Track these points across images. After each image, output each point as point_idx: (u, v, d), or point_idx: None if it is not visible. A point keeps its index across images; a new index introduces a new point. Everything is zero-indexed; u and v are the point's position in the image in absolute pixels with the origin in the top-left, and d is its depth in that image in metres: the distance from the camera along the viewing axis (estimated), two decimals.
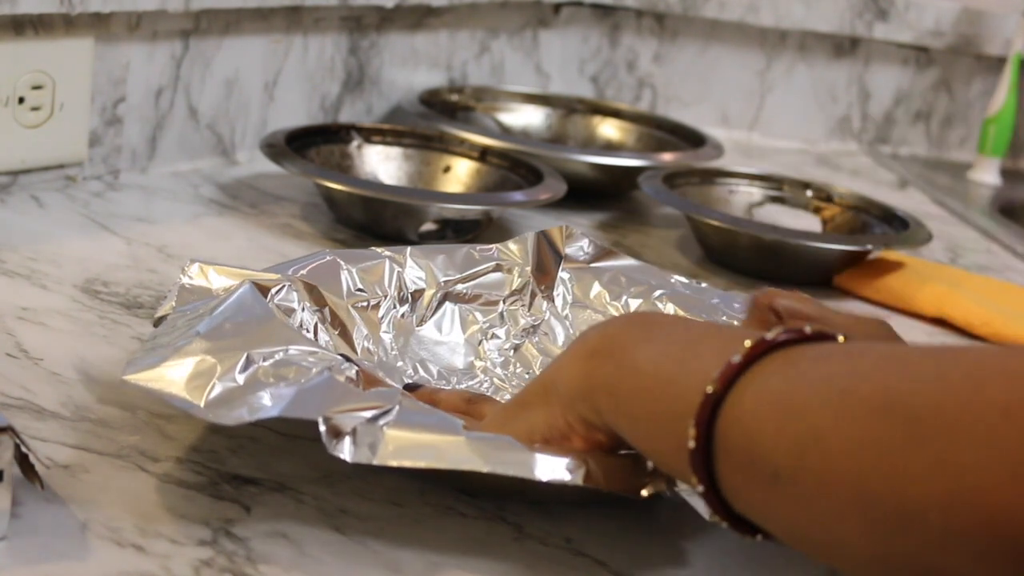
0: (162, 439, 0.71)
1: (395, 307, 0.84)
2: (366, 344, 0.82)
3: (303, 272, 0.81)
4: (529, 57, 1.57)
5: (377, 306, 0.83)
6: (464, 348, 0.85)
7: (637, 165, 1.27)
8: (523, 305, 0.87)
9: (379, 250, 0.86)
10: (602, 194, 1.30)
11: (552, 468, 0.64)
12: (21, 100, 1.06)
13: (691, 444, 0.56)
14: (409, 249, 0.87)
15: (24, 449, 0.60)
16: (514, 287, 0.87)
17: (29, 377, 0.77)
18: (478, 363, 0.85)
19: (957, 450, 0.47)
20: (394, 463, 0.63)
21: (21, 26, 1.04)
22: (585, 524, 0.68)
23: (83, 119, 1.11)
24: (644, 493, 0.63)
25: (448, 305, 0.86)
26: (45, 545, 0.60)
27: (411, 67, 1.41)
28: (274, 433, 0.73)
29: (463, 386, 0.83)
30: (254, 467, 0.70)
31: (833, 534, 0.52)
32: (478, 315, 0.86)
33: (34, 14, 1.03)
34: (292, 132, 1.16)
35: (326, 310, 0.81)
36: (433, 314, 0.85)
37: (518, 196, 1.12)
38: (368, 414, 0.64)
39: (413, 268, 0.86)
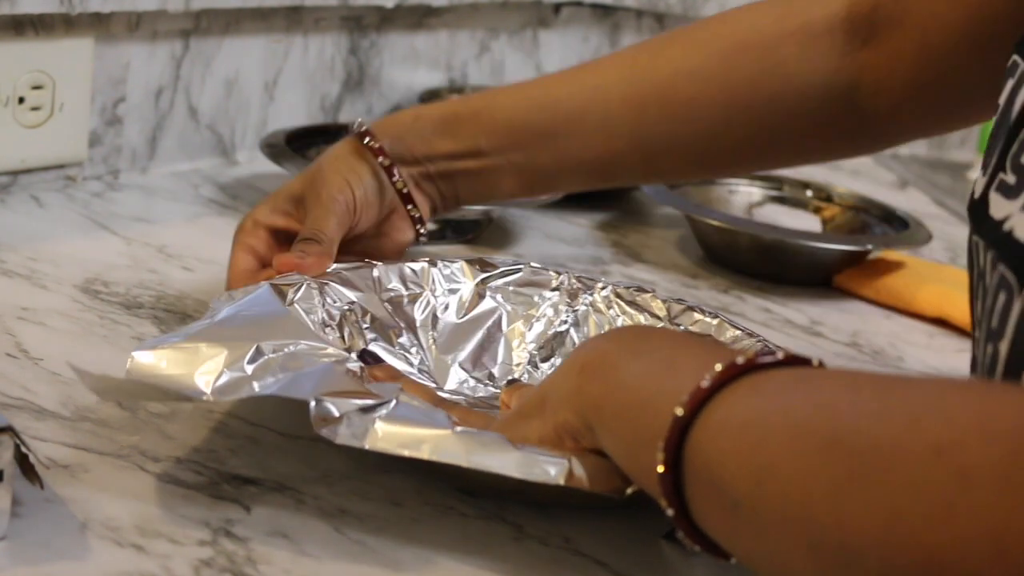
0: (162, 439, 0.71)
1: (432, 301, 0.84)
2: (401, 340, 0.82)
3: (337, 271, 0.82)
4: (529, 57, 1.57)
5: (413, 300, 0.84)
6: (503, 340, 0.85)
7: None
8: (565, 300, 0.87)
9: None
10: (602, 194, 1.29)
11: (534, 466, 0.63)
12: (21, 100, 1.06)
13: (659, 468, 0.56)
14: (443, 256, 0.87)
15: (24, 449, 0.60)
16: (553, 286, 0.87)
17: (29, 377, 0.77)
18: (518, 354, 0.85)
19: (892, 489, 0.47)
20: (379, 448, 0.63)
21: (21, 26, 1.04)
22: (585, 524, 0.68)
23: (83, 119, 1.11)
24: (628, 491, 0.63)
25: (487, 300, 0.86)
26: (45, 545, 0.61)
27: (411, 67, 1.41)
28: (274, 433, 0.73)
29: (506, 379, 0.83)
30: (254, 467, 0.70)
31: (785, 566, 0.52)
32: (519, 308, 0.86)
33: (34, 14, 1.04)
34: (292, 132, 1.16)
35: (356, 307, 0.81)
36: (472, 308, 0.86)
37: None
38: (360, 402, 0.65)
39: (449, 266, 0.86)
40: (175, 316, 0.89)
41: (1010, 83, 0.64)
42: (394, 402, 0.65)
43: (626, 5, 1.63)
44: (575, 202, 1.20)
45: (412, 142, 0.89)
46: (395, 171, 0.88)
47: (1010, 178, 0.60)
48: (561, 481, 0.63)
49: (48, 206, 1.06)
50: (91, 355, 0.81)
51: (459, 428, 0.65)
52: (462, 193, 0.91)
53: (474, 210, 1.11)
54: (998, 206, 0.60)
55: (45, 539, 0.61)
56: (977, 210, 0.62)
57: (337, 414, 0.64)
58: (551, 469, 0.63)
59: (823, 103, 0.84)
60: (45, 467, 0.62)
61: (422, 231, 0.91)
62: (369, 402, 0.65)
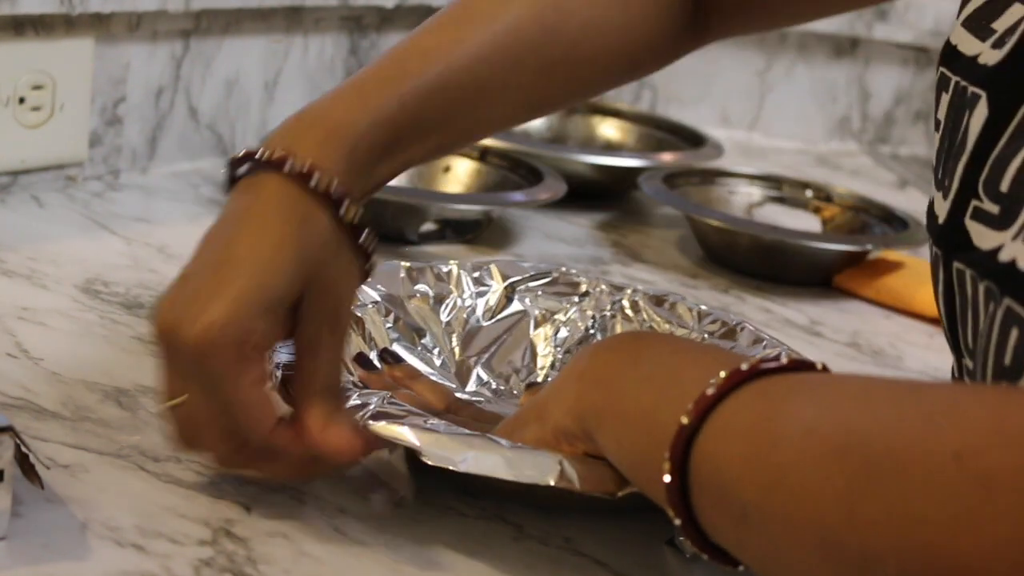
0: (162, 439, 0.71)
1: (459, 302, 0.84)
2: (424, 341, 0.82)
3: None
4: None
5: (440, 301, 0.84)
6: (529, 344, 0.85)
7: (637, 165, 1.27)
8: (593, 306, 0.86)
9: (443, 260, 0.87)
10: (602, 194, 1.29)
11: (524, 467, 0.63)
12: (21, 100, 1.06)
13: (666, 478, 0.56)
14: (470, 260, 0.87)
15: (24, 449, 0.60)
16: (583, 291, 0.87)
17: (29, 377, 0.77)
18: (543, 358, 0.85)
19: (910, 497, 0.47)
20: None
21: (21, 26, 1.04)
22: (585, 524, 0.68)
23: (83, 119, 1.11)
24: (619, 494, 0.63)
25: (515, 303, 0.86)
26: (45, 545, 0.61)
27: None
28: None
29: (528, 381, 0.83)
30: None
31: (797, 572, 0.52)
32: (547, 312, 0.86)
33: (34, 14, 1.03)
34: None
35: (380, 306, 0.81)
36: (499, 310, 0.85)
37: (518, 196, 1.12)
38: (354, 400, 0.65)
39: (479, 269, 0.86)
40: None
41: (945, 97, 0.64)
42: (383, 402, 0.65)
43: None
44: (575, 202, 1.20)
45: (356, 180, 0.69)
46: (362, 233, 0.68)
47: (990, 207, 0.58)
48: (551, 481, 0.63)
49: (48, 206, 1.06)
50: (91, 355, 0.81)
51: (448, 428, 0.65)
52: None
53: (474, 210, 1.11)
54: (982, 236, 0.58)
55: (45, 539, 0.61)
56: (948, 237, 0.61)
57: None
58: (541, 470, 0.63)
59: (677, 26, 0.85)
60: (45, 467, 0.62)
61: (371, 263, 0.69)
62: (356, 402, 0.65)
